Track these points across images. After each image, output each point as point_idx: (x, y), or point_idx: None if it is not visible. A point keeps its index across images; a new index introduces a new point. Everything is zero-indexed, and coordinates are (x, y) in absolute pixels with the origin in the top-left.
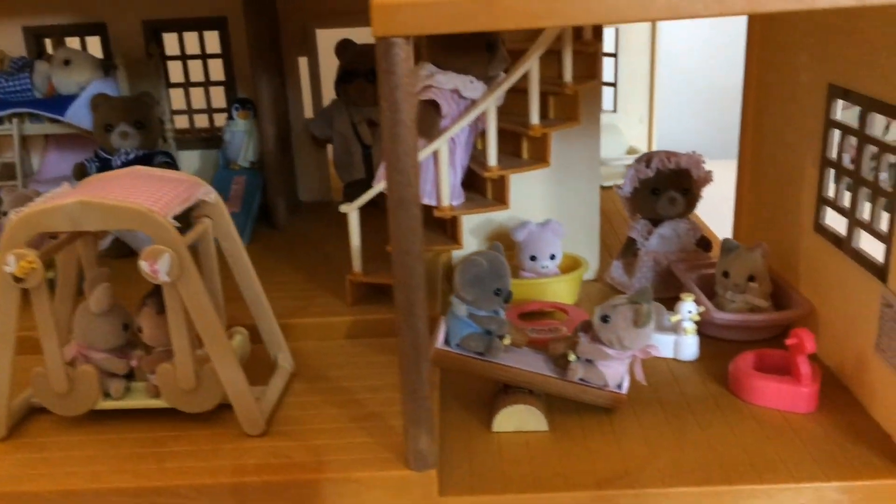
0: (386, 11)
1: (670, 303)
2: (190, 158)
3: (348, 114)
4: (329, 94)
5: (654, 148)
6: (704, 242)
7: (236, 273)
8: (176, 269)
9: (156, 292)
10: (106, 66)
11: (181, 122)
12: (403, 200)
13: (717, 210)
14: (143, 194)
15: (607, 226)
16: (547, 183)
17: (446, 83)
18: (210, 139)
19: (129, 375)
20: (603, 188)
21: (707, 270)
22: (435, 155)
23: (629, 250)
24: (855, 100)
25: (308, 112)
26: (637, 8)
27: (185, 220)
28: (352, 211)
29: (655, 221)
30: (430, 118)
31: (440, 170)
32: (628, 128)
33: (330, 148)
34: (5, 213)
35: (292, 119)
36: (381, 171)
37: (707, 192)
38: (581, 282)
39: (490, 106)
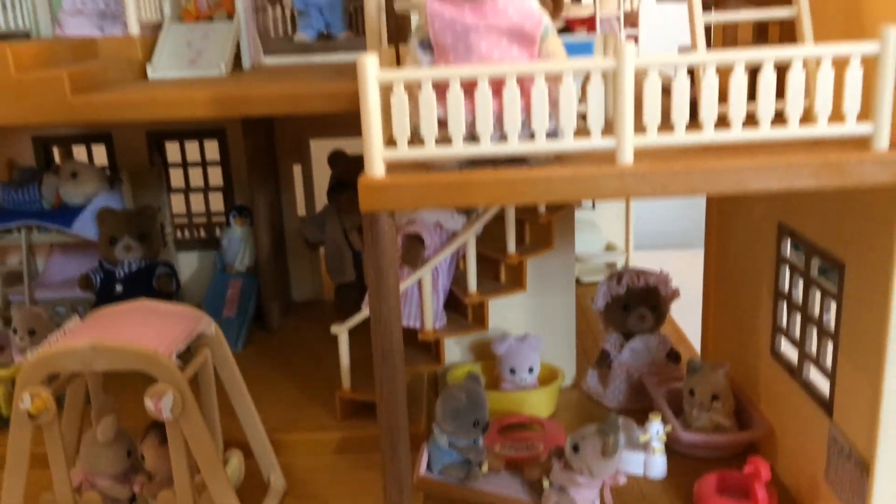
0: (373, 191)
1: (643, 414)
2: (188, 260)
3: (339, 221)
4: (321, 198)
5: (632, 243)
6: (674, 355)
7: (233, 398)
8: (178, 407)
9: (158, 424)
10: (111, 179)
11: (179, 216)
12: (387, 354)
13: (694, 299)
14: (149, 334)
15: (585, 325)
16: (526, 297)
17: (429, 217)
18: (208, 241)
19: (132, 499)
20: (581, 284)
21: (676, 384)
22: (419, 283)
23: (603, 361)
24: (800, 240)
25: (301, 212)
26: (590, 191)
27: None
28: (342, 332)
29: (627, 335)
30: (414, 250)
31: (424, 297)
32: (606, 224)
33: (322, 250)
34: (15, 331)
35: (286, 222)
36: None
37: (684, 282)
38: (558, 392)
39: (470, 237)
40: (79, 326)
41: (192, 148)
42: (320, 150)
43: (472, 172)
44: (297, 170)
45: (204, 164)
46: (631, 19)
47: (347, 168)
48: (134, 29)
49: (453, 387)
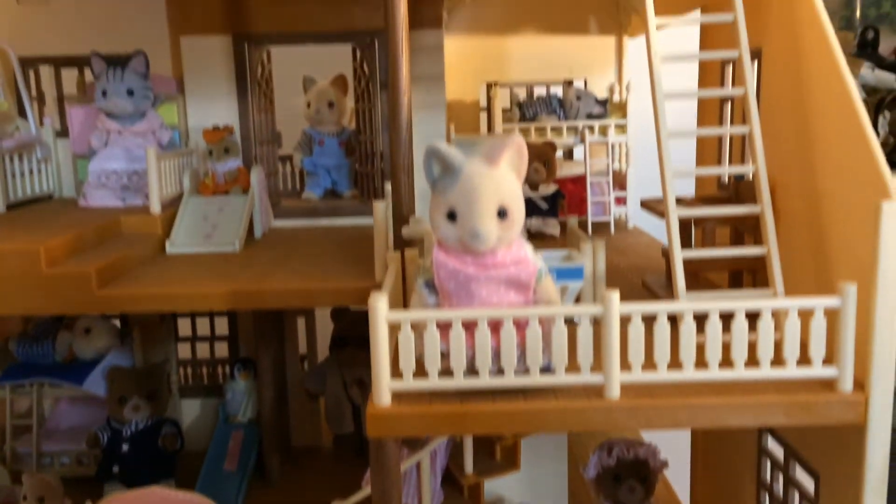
0: (380, 420)
1: None
2: (191, 406)
3: (340, 374)
4: (323, 350)
5: None
6: None
7: None
8: None
9: None
10: (122, 334)
11: (183, 361)
12: None
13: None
14: None
15: (578, 481)
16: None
17: None
18: (211, 388)
19: None
20: None
21: None
22: (417, 465)
23: None
24: (780, 441)
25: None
26: (580, 423)
27: None
28: None
29: None
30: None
31: (422, 478)
32: None
33: (322, 401)
34: (25, 497)
35: (288, 372)
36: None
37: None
38: None
39: None
40: None
41: None
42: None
43: (471, 404)
44: (301, 322)
45: (211, 315)
46: (619, 181)
47: (350, 324)
48: (156, 208)
49: None
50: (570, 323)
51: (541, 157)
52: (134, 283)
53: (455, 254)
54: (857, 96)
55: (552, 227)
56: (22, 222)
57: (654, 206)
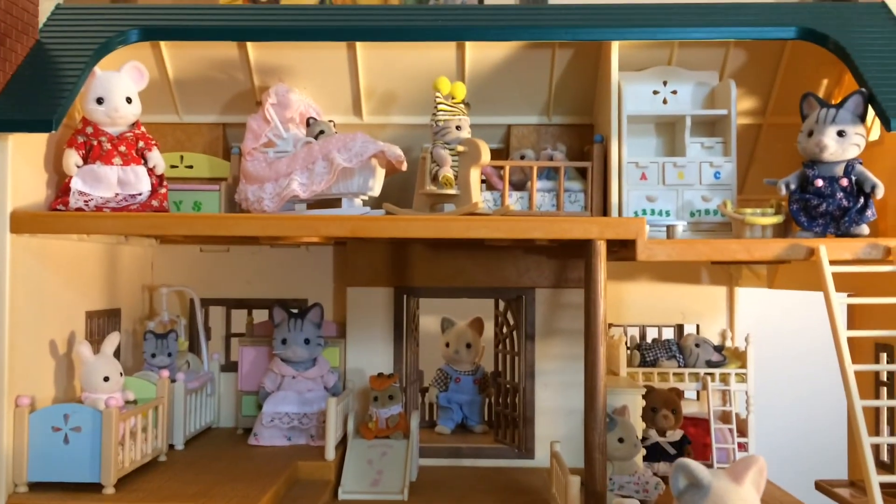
0: None
1: None
2: None
3: None
4: None
5: None
6: None
7: None
8: None
9: None
10: None
11: None
12: None
13: None
14: None
15: None
16: None
17: None
18: None
19: None
20: None
21: None
22: None
23: None
24: None
25: None
26: None
27: None
28: None
29: None
30: None
31: None
32: None
33: None
34: None
35: None
36: None
37: None
38: None
39: None
40: None
41: None
42: None
43: None
44: None
45: None
46: (740, 426)
47: None
48: (331, 455)
49: None
50: None
51: (668, 404)
52: None
53: None
54: None
55: None
56: (213, 467)
57: (833, 492)
